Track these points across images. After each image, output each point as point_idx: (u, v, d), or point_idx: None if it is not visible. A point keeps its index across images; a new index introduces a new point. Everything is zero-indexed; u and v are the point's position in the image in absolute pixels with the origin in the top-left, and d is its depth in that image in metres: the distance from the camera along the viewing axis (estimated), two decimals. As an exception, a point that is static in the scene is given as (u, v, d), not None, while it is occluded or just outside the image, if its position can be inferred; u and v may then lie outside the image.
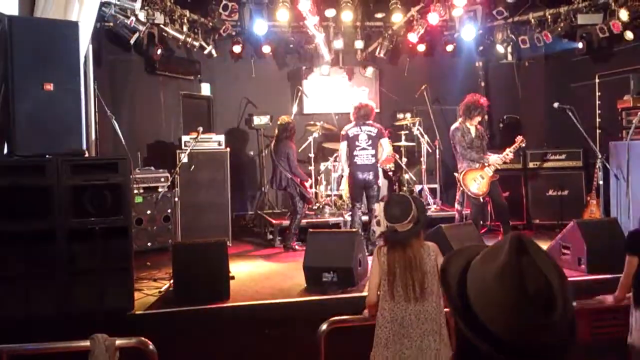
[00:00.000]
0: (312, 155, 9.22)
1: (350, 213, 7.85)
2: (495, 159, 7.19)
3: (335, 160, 9.03)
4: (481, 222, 7.96)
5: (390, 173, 9.07)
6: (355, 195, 7.43)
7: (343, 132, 7.55)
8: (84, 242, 4.81)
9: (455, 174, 7.53)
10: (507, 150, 7.33)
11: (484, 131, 7.51)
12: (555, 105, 6.94)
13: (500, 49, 10.05)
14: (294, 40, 10.17)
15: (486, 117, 7.46)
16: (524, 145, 7.57)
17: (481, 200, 7.36)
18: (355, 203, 7.41)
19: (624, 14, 7.89)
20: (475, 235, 6.30)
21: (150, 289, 5.68)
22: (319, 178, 9.18)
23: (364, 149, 7.31)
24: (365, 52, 10.47)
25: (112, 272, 4.87)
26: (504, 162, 7.40)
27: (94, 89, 6.34)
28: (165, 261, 6.23)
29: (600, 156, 6.92)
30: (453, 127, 7.37)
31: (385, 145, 7.58)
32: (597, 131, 8.64)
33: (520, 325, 1.20)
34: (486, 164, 7.16)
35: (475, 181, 7.20)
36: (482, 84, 10.45)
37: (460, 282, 1.31)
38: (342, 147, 7.53)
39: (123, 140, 5.99)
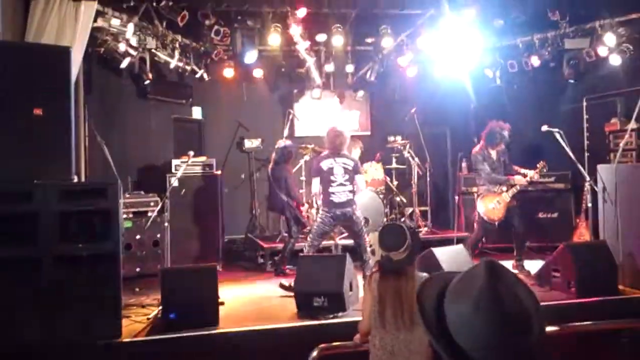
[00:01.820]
0: (303, 178, 9.23)
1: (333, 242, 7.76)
2: (519, 179, 7.15)
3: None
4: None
5: (381, 196, 9.08)
6: (324, 233, 6.68)
7: (315, 165, 6.75)
8: (71, 268, 4.76)
9: (460, 195, 7.53)
10: (532, 173, 7.24)
11: (506, 152, 7.46)
12: (544, 128, 6.99)
13: (489, 72, 10.16)
14: (286, 64, 10.24)
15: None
16: (545, 170, 7.53)
17: (496, 225, 7.34)
18: (319, 240, 6.70)
19: (610, 39, 8.00)
20: (465, 258, 6.29)
21: (138, 316, 5.62)
22: (310, 202, 9.16)
23: (341, 184, 6.54)
24: (356, 75, 10.55)
25: (100, 299, 4.82)
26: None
27: (84, 113, 6.35)
28: (154, 287, 6.18)
29: (588, 179, 6.95)
30: (474, 151, 7.38)
31: (361, 182, 6.79)
32: (586, 154, 8.70)
33: (499, 348, 1.21)
34: (512, 184, 7.13)
35: (492, 205, 7.19)
36: (472, 107, 10.53)
37: (437, 309, 1.32)
38: (315, 184, 6.70)
39: (113, 165, 5.97)
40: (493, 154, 7.30)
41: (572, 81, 9.38)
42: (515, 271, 7.01)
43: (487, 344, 1.22)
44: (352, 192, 6.58)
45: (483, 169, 7.25)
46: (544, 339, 1.25)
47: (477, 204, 7.33)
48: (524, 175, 7.20)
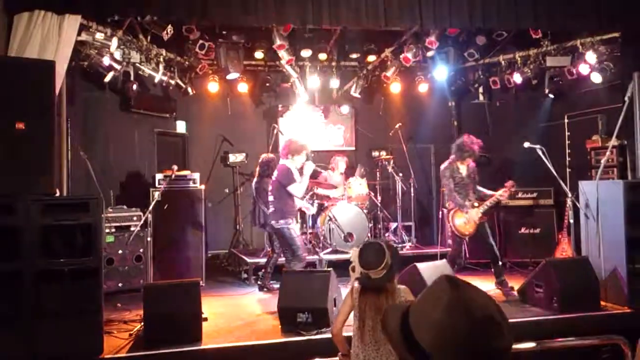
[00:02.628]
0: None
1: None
2: (473, 215, 7.09)
3: (311, 198, 9.04)
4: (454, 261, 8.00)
5: (366, 211, 9.10)
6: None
7: (287, 172, 6.94)
8: (53, 283, 4.71)
9: (444, 209, 7.55)
10: (496, 194, 7.21)
11: (475, 168, 7.42)
12: (526, 145, 7.05)
13: (472, 89, 10.30)
14: (270, 78, 10.26)
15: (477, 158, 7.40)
16: (514, 190, 7.57)
17: (465, 240, 7.39)
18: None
19: (591, 57, 8.13)
20: (449, 273, 6.32)
21: (120, 332, 5.55)
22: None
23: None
24: (341, 90, 10.60)
25: (81, 315, 4.77)
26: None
27: (66, 127, 6.30)
28: (137, 302, 6.11)
29: (570, 195, 7.02)
30: (443, 165, 7.37)
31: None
32: (568, 170, 8.81)
33: (475, 353, 1.23)
34: (465, 212, 7.12)
35: (463, 220, 7.20)
36: (455, 123, 10.63)
37: (402, 327, 1.34)
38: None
39: (95, 179, 5.93)
40: (463, 169, 7.27)
41: (553, 98, 9.51)
42: (498, 289, 7.04)
43: (462, 349, 1.23)
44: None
45: (447, 184, 7.27)
46: (511, 346, 1.26)
47: (449, 219, 7.36)
48: (491, 196, 7.20)
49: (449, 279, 1.34)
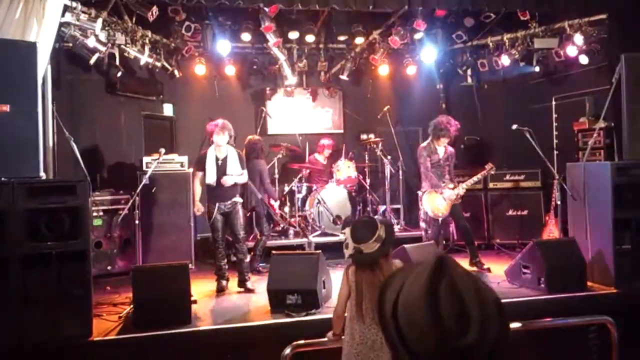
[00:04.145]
0: (276, 176, 9.21)
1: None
2: (448, 195, 7.20)
3: (299, 182, 9.03)
4: (443, 242, 8.06)
5: (354, 194, 9.10)
6: None
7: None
8: (40, 267, 4.68)
9: (418, 192, 7.59)
10: (475, 177, 7.41)
11: (454, 153, 7.54)
12: (514, 127, 7.07)
13: (460, 71, 10.28)
14: (258, 61, 10.18)
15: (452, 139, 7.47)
16: (493, 172, 7.67)
17: (439, 221, 7.43)
18: None
19: (578, 39, 8.13)
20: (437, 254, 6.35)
21: (109, 315, 5.55)
22: (283, 199, 9.15)
23: None
24: (329, 73, 10.54)
25: (69, 298, 4.75)
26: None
27: (52, 110, 6.22)
28: (126, 285, 6.10)
29: (557, 177, 7.06)
30: (421, 146, 7.44)
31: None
32: (555, 152, 8.85)
33: (436, 348, 1.20)
34: (440, 192, 7.19)
35: (436, 202, 7.26)
36: (443, 105, 10.62)
37: (394, 305, 1.30)
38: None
39: (82, 162, 5.86)
40: (440, 151, 7.35)
41: (541, 80, 9.52)
42: (474, 268, 7.11)
43: (426, 343, 1.21)
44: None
45: (423, 163, 7.34)
46: (492, 339, 1.20)
47: (422, 201, 7.40)
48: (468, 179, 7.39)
49: (437, 262, 1.27)
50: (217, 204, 6.71)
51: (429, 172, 7.27)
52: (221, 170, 6.71)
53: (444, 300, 1.21)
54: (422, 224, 7.74)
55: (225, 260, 6.85)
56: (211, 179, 6.70)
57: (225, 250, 6.99)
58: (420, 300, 1.22)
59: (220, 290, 6.65)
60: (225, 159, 6.74)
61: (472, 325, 1.19)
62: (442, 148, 7.35)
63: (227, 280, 6.82)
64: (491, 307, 1.24)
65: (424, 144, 7.43)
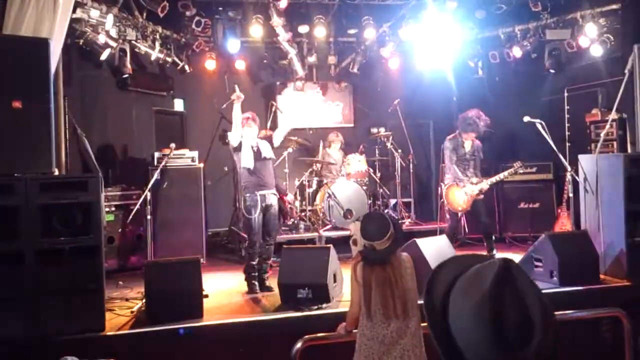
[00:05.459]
0: (286, 170, 9.22)
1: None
2: (469, 190, 7.16)
3: (310, 175, 9.03)
4: (455, 236, 8.03)
5: (365, 187, 9.10)
6: None
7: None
8: (53, 262, 4.71)
9: (442, 184, 7.56)
10: (501, 174, 7.33)
11: (481, 147, 7.45)
12: (526, 119, 7.01)
13: (471, 63, 10.20)
14: (268, 55, 10.19)
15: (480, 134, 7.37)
16: (521, 171, 7.62)
17: (458, 215, 7.40)
18: None
19: (591, 30, 8.05)
20: (448, 248, 6.34)
21: (122, 309, 5.59)
22: (293, 193, 9.16)
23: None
24: (339, 67, 10.52)
25: (82, 293, 4.79)
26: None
27: (64, 105, 6.25)
28: (138, 280, 6.14)
29: (569, 169, 7.00)
30: (447, 138, 7.39)
31: None
32: (567, 144, 8.78)
33: (494, 357, 1.18)
34: (462, 186, 7.15)
35: (457, 196, 7.22)
36: (454, 98, 10.56)
37: (443, 306, 1.27)
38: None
39: (93, 158, 5.91)
40: (467, 145, 7.29)
41: (553, 72, 9.44)
42: None
43: (481, 351, 1.18)
44: None
45: (449, 156, 7.29)
46: (549, 349, 1.18)
47: (444, 194, 7.36)
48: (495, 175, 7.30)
49: (501, 267, 1.20)
50: (257, 194, 6.30)
51: (453, 165, 7.22)
52: (257, 155, 6.41)
53: (508, 311, 1.17)
54: (447, 215, 7.72)
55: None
56: (249, 162, 6.31)
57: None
58: (481, 310, 1.18)
59: (252, 292, 6.31)
60: (257, 145, 6.47)
61: (535, 336, 1.17)
62: (469, 142, 7.28)
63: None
64: (551, 318, 1.22)
65: (451, 136, 7.36)
